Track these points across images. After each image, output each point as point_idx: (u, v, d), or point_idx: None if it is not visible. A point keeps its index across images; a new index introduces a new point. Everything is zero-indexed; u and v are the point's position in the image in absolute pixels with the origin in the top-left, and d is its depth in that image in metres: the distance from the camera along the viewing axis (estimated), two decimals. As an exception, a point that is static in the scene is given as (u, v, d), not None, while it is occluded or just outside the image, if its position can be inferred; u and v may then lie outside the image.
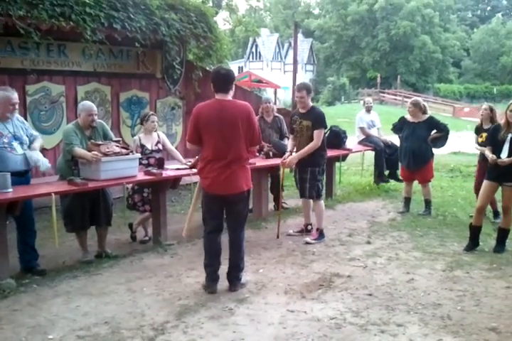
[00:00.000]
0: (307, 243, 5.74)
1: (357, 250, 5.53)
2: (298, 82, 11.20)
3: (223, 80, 4.21)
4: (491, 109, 6.52)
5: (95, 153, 4.89)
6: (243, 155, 4.28)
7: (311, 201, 5.97)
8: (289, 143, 6.15)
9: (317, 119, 5.69)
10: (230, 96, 4.24)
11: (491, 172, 5.41)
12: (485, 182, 5.49)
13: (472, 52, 49.22)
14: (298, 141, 5.84)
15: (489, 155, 5.40)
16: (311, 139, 5.68)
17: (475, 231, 5.56)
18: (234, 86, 4.29)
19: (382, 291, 4.37)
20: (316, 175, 5.79)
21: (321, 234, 5.87)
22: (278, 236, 5.94)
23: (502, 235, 5.52)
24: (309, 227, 6.13)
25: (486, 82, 46.47)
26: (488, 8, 58.32)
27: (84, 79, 7.66)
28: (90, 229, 5.31)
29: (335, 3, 47.28)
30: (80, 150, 4.94)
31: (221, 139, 4.14)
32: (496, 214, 6.73)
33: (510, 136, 5.27)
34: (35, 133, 4.97)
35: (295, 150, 5.91)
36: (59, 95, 7.36)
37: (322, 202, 6.02)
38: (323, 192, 6.03)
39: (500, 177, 5.31)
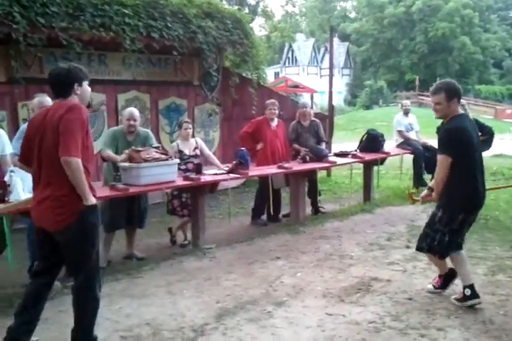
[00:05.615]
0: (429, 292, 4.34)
1: (396, 254, 5.48)
2: (333, 86, 11.11)
3: (55, 83, 3.25)
4: None
5: (125, 157, 5.05)
6: None
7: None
8: None
9: (441, 138, 4.01)
10: (75, 100, 3.23)
11: None
12: None
13: (514, 53, 48.06)
14: None
15: None
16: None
17: None
18: (79, 87, 3.25)
19: (421, 295, 4.31)
20: (434, 220, 4.00)
21: (444, 281, 4.30)
22: None
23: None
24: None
25: (530, 82, 45.26)
26: (530, 6, 56.73)
27: (124, 87, 7.85)
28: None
29: (371, 7, 46.97)
30: (107, 153, 5.17)
31: None
32: None
33: None
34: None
35: None
36: (100, 104, 7.57)
37: (443, 261, 4.19)
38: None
39: None
